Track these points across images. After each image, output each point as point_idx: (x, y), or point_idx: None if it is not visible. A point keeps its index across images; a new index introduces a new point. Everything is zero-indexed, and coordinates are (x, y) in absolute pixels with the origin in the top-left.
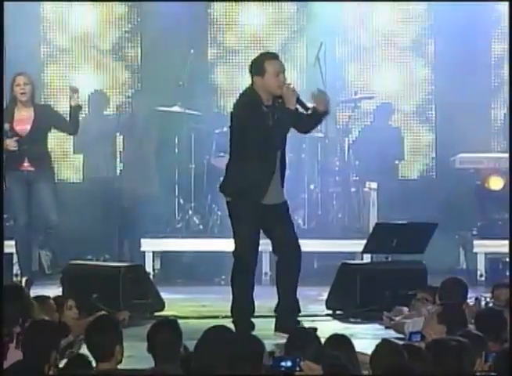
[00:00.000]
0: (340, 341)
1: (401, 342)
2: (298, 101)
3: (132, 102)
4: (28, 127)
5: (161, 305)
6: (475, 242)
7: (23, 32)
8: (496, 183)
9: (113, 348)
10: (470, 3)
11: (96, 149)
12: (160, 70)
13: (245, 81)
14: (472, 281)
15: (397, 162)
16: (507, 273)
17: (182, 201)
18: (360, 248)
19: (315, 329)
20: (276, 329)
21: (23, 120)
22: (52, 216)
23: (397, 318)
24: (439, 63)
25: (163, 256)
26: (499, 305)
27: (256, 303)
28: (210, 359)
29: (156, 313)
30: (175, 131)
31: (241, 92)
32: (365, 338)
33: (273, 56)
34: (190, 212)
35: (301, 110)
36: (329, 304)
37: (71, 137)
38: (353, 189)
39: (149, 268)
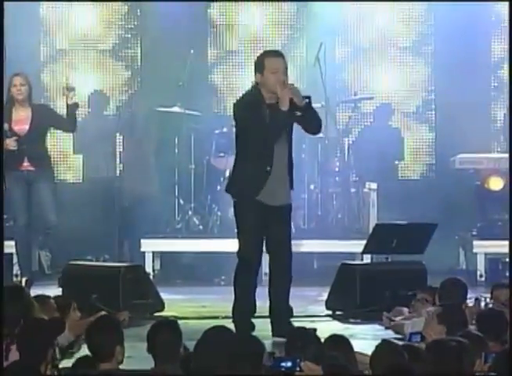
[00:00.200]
0: (339, 342)
1: (401, 343)
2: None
3: (132, 102)
4: (26, 127)
5: (161, 305)
6: (475, 242)
7: (23, 32)
8: (496, 184)
9: (114, 348)
10: (470, 3)
11: (96, 149)
12: (159, 70)
13: (245, 81)
14: (472, 282)
15: (397, 162)
16: (507, 274)
17: (181, 202)
18: (360, 249)
19: (315, 329)
20: (273, 334)
21: (21, 120)
22: (50, 216)
23: (397, 318)
24: (439, 63)
25: (163, 256)
26: (499, 306)
27: (257, 304)
28: (209, 359)
29: (156, 314)
30: (175, 131)
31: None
32: (365, 338)
33: (274, 54)
34: (190, 213)
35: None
36: (329, 304)
37: (71, 137)
38: (353, 190)
39: (148, 268)
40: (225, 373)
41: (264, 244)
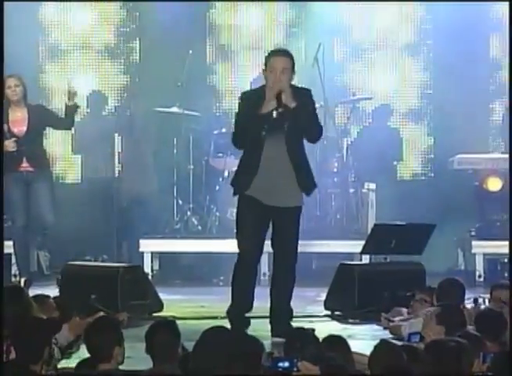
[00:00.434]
0: (336, 342)
1: (399, 343)
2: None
3: (131, 102)
4: (24, 128)
5: (160, 305)
6: (474, 243)
7: (22, 32)
8: (495, 184)
9: (112, 349)
10: (469, 3)
11: (95, 149)
12: (158, 70)
13: (244, 81)
14: (470, 282)
15: (395, 163)
16: (506, 274)
17: (180, 202)
18: (359, 249)
19: (313, 330)
20: (272, 334)
21: (17, 121)
22: (48, 217)
23: (395, 319)
24: (438, 63)
25: (161, 257)
26: (498, 306)
27: (255, 304)
28: (208, 359)
29: (155, 314)
30: (174, 131)
31: None
32: (364, 338)
33: (275, 53)
34: (189, 213)
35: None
36: (327, 305)
37: (70, 137)
38: (351, 190)
39: (147, 269)
40: (224, 373)
41: (270, 245)
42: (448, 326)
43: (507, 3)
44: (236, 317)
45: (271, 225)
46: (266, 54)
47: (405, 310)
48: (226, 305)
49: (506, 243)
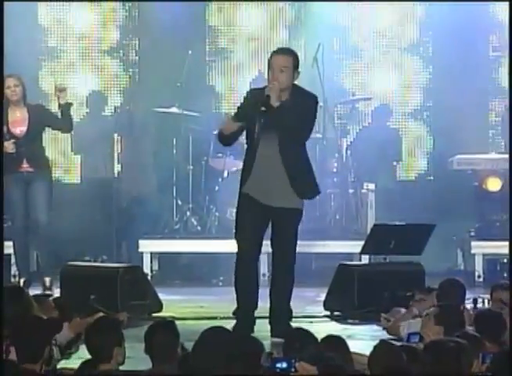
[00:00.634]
0: (335, 342)
1: (399, 343)
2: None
3: (130, 103)
4: (24, 128)
5: (159, 306)
6: (473, 243)
7: (21, 32)
8: (494, 184)
9: (112, 349)
10: (469, 3)
11: (94, 150)
12: (158, 70)
13: (244, 81)
14: (470, 282)
15: (395, 163)
16: (505, 274)
17: (179, 202)
18: (358, 249)
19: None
20: (272, 335)
21: (17, 121)
22: (41, 217)
23: (392, 319)
24: (437, 63)
25: (161, 257)
26: (498, 307)
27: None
28: (207, 359)
29: (154, 314)
30: (173, 132)
31: None
32: (364, 339)
33: (275, 52)
34: (188, 213)
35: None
36: (327, 305)
37: (69, 138)
38: (351, 191)
39: (147, 269)
40: (224, 373)
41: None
42: (446, 326)
43: (507, 3)
44: (243, 317)
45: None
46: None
47: (404, 310)
48: (226, 306)
49: (506, 243)
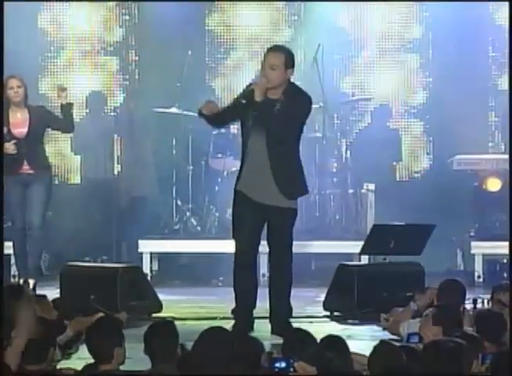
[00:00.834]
0: (334, 342)
1: (399, 344)
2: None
3: (130, 103)
4: (25, 130)
5: (159, 306)
6: (473, 243)
7: (21, 32)
8: (494, 185)
9: (113, 350)
10: (469, 3)
11: (94, 150)
12: (157, 71)
13: (243, 81)
14: (470, 283)
15: (394, 164)
16: (505, 275)
17: (179, 203)
18: (358, 250)
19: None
20: (272, 332)
21: (18, 123)
22: (34, 218)
23: (391, 319)
24: (437, 63)
25: (160, 257)
26: (498, 308)
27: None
28: (206, 359)
29: (154, 315)
30: (173, 132)
31: None
32: (363, 339)
33: (269, 49)
34: (188, 214)
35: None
36: (326, 305)
37: (69, 138)
38: (351, 191)
39: (146, 269)
40: (223, 373)
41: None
42: (444, 326)
43: (507, 3)
44: (242, 316)
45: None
46: None
47: (402, 309)
48: (225, 306)
49: (506, 243)
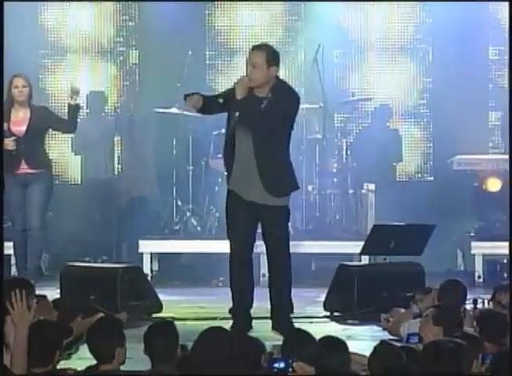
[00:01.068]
0: (333, 343)
1: (399, 344)
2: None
3: (130, 103)
4: (23, 128)
5: (159, 306)
6: (473, 244)
7: (21, 33)
8: (494, 185)
9: (114, 350)
10: (468, 3)
11: (94, 150)
12: (157, 71)
13: None
14: (470, 283)
15: (395, 164)
16: (505, 275)
17: (179, 203)
18: (358, 250)
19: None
20: (272, 328)
21: (18, 121)
22: (34, 219)
23: (391, 319)
24: (437, 63)
25: (161, 258)
26: (499, 308)
27: (254, 304)
28: (206, 359)
29: (154, 315)
30: (173, 132)
31: None
32: (364, 339)
33: (252, 48)
34: (188, 214)
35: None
36: (327, 305)
37: (70, 138)
38: (351, 191)
39: (146, 269)
40: (223, 373)
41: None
42: (445, 326)
43: (507, 3)
44: (240, 316)
45: None
46: None
47: (404, 311)
48: (225, 306)
49: (506, 244)
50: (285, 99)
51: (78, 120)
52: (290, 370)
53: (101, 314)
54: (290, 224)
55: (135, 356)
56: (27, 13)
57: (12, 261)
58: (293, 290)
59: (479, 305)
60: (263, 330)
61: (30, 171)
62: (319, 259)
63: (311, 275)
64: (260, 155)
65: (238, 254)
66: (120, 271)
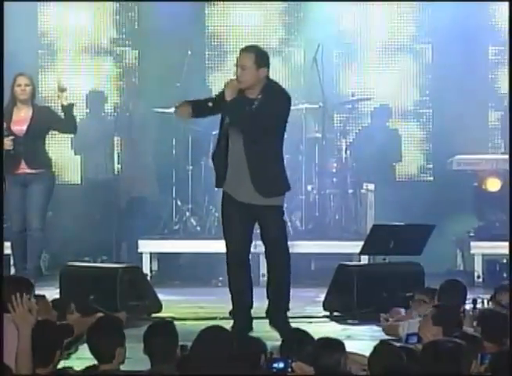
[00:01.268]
0: (331, 343)
1: (398, 344)
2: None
3: (130, 103)
4: (24, 128)
5: (158, 306)
6: (472, 243)
7: (20, 32)
8: (494, 185)
9: (114, 350)
10: (468, 3)
11: (94, 150)
12: (157, 71)
13: None
14: (469, 283)
15: (394, 164)
16: (505, 275)
17: (179, 203)
18: (357, 250)
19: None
20: (270, 324)
21: (20, 120)
22: (33, 219)
23: (391, 320)
24: (437, 64)
25: (160, 257)
26: (499, 308)
27: (254, 304)
28: (205, 359)
29: (154, 315)
30: (173, 132)
31: None
32: (363, 339)
33: (240, 49)
34: (188, 214)
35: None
36: (326, 305)
37: (69, 138)
38: (350, 191)
39: (146, 269)
40: (223, 373)
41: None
42: (444, 326)
43: (507, 3)
44: (240, 316)
45: None
46: None
47: (403, 311)
48: (225, 306)
49: (505, 244)
50: (276, 99)
51: (78, 120)
52: (289, 370)
53: (100, 314)
54: (289, 224)
55: (135, 355)
56: (26, 13)
57: (12, 261)
58: (292, 290)
59: (479, 305)
60: (263, 330)
61: (29, 171)
62: (319, 259)
63: (310, 275)
64: (250, 156)
65: (234, 255)
66: (120, 271)
